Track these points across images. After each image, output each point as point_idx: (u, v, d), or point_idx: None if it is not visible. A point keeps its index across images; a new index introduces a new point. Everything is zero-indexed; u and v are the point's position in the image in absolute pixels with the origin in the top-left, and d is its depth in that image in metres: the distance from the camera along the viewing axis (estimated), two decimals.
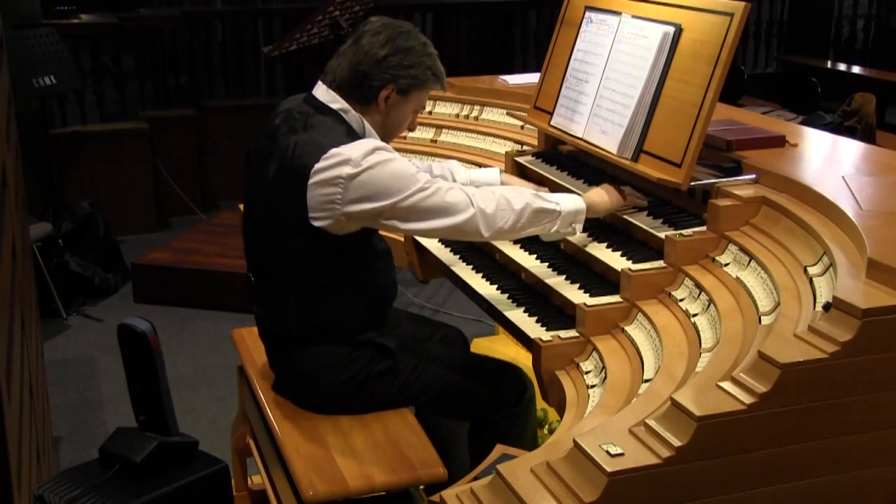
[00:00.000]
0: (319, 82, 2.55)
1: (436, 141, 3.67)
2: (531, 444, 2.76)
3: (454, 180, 2.89)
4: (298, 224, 2.41)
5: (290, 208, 2.41)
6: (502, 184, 2.89)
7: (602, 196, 2.60)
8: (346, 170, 2.33)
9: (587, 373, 2.22)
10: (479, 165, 3.41)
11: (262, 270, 2.60)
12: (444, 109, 3.80)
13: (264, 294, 2.61)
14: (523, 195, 2.49)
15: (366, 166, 2.34)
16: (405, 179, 2.37)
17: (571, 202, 2.53)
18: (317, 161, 2.36)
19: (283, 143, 2.46)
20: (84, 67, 6.71)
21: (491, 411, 2.65)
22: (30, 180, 5.31)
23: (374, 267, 2.57)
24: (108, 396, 4.34)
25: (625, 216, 2.59)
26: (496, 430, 2.64)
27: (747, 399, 1.60)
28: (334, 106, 2.49)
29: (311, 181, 2.36)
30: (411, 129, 2.68)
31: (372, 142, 2.41)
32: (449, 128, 3.67)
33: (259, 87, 7.78)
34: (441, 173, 2.89)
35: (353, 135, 2.44)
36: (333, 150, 2.35)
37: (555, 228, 2.52)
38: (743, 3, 2.41)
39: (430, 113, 3.81)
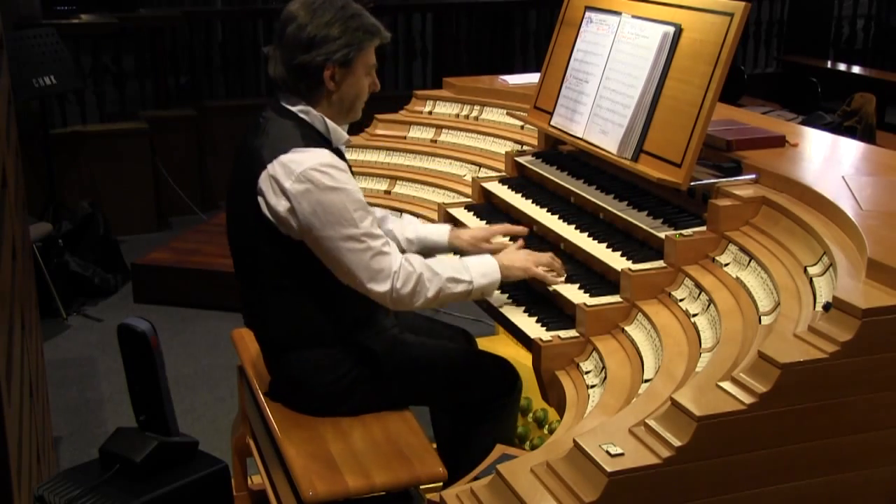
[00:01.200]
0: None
1: (436, 141, 3.66)
2: (512, 433, 2.80)
3: (403, 236, 2.78)
4: (263, 229, 2.40)
5: (254, 214, 2.40)
6: (450, 241, 2.77)
7: (512, 261, 2.55)
8: (288, 182, 2.32)
9: (587, 373, 2.23)
10: (480, 166, 3.42)
11: (243, 275, 2.59)
12: (444, 109, 3.79)
13: (249, 299, 2.60)
14: (440, 279, 2.43)
15: (306, 181, 2.31)
16: (343, 216, 2.33)
17: (485, 277, 2.49)
18: (263, 169, 2.35)
19: (247, 148, 2.46)
20: (84, 67, 6.70)
21: (483, 406, 2.66)
22: (30, 180, 5.30)
23: None
24: (108, 396, 4.33)
25: (624, 216, 2.59)
26: (492, 423, 2.65)
27: (747, 399, 1.60)
28: (294, 108, 2.46)
29: (260, 187, 2.36)
30: (375, 90, 2.55)
31: (321, 157, 2.35)
32: (449, 128, 3.66)
33: (259, 87, 7.77)
34: (392, 227, 2.78)
35: (310, 138, 2.41)
36: (283, 158, 2.34)
37: (470, 299, 2.53)
38: (743, 3, 2.41)
39: (429, 113, 3.81)
